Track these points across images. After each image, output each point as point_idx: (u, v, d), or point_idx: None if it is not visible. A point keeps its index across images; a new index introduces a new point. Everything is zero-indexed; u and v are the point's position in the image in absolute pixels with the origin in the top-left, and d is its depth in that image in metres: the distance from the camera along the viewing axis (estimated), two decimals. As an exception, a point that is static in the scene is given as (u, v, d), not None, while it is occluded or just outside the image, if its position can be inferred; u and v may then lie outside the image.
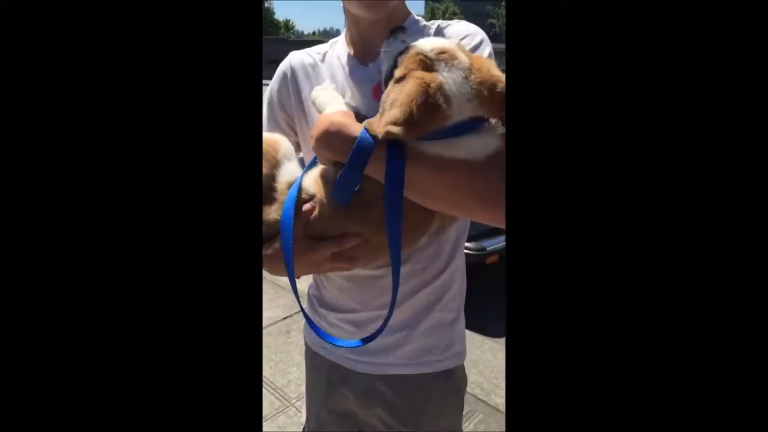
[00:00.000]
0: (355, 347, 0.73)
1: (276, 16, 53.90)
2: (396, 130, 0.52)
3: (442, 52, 0.57)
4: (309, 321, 0.73)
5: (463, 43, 0.66)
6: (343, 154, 0.57)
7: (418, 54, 0.57)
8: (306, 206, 0.64)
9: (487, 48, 0.69)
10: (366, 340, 0.64)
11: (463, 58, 0.57)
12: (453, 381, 0.76)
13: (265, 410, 1.73)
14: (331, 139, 0.59)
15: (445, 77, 0.55)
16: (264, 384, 1.88)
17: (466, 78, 0.56)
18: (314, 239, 0.65)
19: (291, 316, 2.38)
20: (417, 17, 0.77)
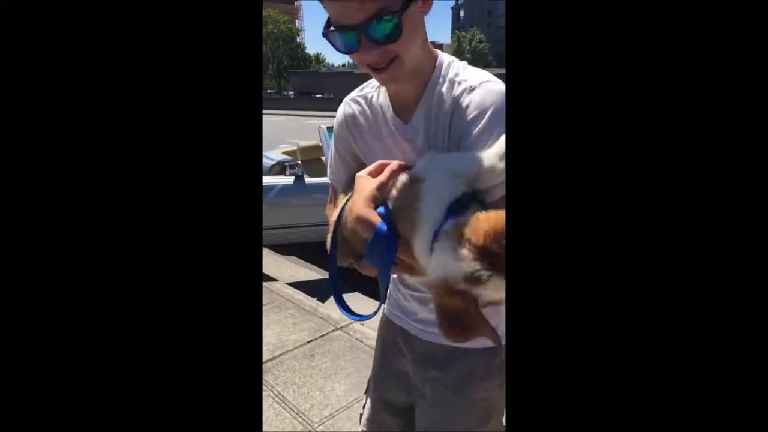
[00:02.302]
0: (415, 320, 0.92)
1: (307, 50, 55.88)
2: None
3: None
4: (337, 300, 0.85)
5: (479, 129, 0.70)
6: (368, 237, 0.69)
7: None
8: None
9: (497, 128, 0.70)
10: (369, 316, 0.82)
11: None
12: (497, 358, 0.86)
13: (288, 434, 1.73)
14: (359, 227, 0.70)
15: None
16: (287, 408, 1.87)
17: None
18: None
19: (315, 339, 2.38)
20: (445, 60, 0.76)
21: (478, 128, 0.69)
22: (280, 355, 2.24)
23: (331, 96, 27.95)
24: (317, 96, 30.46)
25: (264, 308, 2.75)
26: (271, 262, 3.73)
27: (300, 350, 2.29)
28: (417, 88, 0.74)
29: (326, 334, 2.43)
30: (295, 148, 4.08)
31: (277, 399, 1.92)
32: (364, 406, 1.08)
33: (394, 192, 0.69)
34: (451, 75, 0.74)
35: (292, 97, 34.83)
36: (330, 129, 3.63)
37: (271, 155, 4.33)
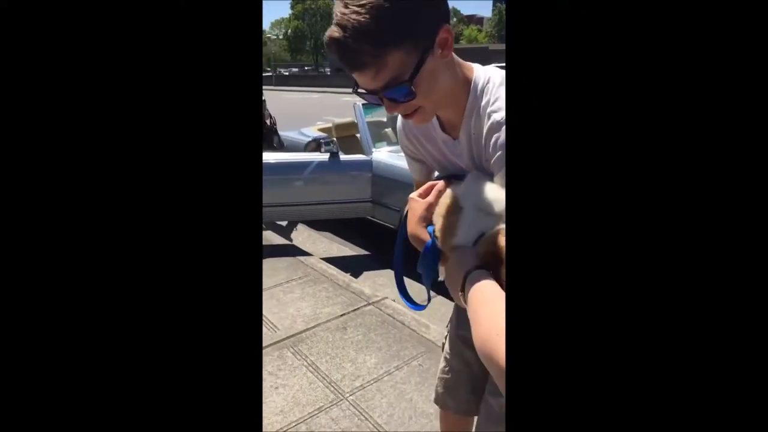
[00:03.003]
0: None
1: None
2: None
3: None
4: (400, 290, 0.91)
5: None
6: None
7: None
8: None
9: None
10: (423, 307, 0.89)
11: None
12: None
13: (320, 402, 1.80)
14: (414, 243, 0.81)
15: None
16: (320, 377, 1.95)
17: None
18: None
19: (347, 313, 2.44)
20: (480, 82, 0.76)
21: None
22: (314, 327, 2.31)
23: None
24: (353, 73, 30.18)
25: (299, 281, 2.83)
26: (306, 238, 3.81)
27: (333, 323, 2.35)
28: (457, 111, 0.78)
29: (359, 308, 2.48)
30: (330, 125, 4.10)
31: (310, 368, 2.00)
32: (445, 338, 1.18)
33: (438, 216, 0.77)
34: (484, 102, 0.75)
35: (329, 74, 34.76)
36: (365, 106, 3.62)
37: (307, 132, 4.38)
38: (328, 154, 3.29)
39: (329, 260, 3.22)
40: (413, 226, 0.80)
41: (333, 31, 0.64)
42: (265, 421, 1.70)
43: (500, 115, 0.72)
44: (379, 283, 2.99)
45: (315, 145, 3.68)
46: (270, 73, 35.05)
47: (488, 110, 0.74)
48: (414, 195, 0.82)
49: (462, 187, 0.77)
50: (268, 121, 3.74)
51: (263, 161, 3.21)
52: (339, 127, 4.00)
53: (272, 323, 2.39)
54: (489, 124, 0.74)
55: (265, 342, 2.19)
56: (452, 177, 0.83)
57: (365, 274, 3.13)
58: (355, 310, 2.47)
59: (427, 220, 0.79)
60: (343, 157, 3.37)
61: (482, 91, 0.76)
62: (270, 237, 3.64)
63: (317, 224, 3.98)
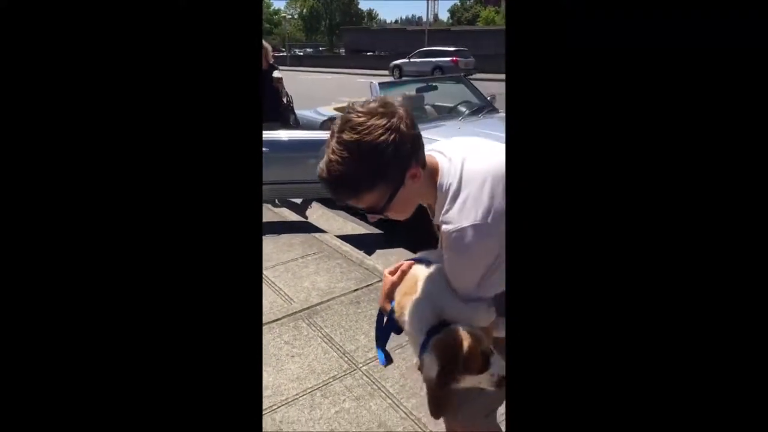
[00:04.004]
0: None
1: (360, 6, 54.55)
2: None
3: None
4: (378, 345, 1.06)
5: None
6: None
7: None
8: None
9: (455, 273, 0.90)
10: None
11: None
12: None
13: (334, 371, 1.85)
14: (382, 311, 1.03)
15: None
16: (334, 348, 2.00)
17: None
18: None
19: (361, 288, 2.49)
20: (443, 184, 0.84)
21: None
22: (328, 300, 2.36)
23: (383, 54, 27.36)
24: (368, 54, 29.92)
25: (314, 257, 2.88)
26: (321, 216, 3.85)
27: (347, 297, 2.40)
28: (431, 200, 0.88)
29: (372, 284, 2.53)
30: (345, 104, 4.10)
31: (325, 339, 2.05)
32: None
33: (399, 293, 0.92)
34: (446, 207, 0.84)
35: (344, 55, 34.42)
36: (382, 85, 3.61)
37: (323, 111, 4.39)
38: (344, 132, 3.29)
39: (343, 238, 3.26)
40: (381, 299, 0.99)
41: (321, 170, 0.78)
42: (281, 388, 1.76)
43: (451, 227, 0.81)
44: (392, 260, 3.02)
45: (330, 123, 3.69)
46: (284, 53, 34.80)
47: (444, 220, 0.83)
48: (386, 271, 0.99)
49: (426, 275, 0.90)
50: (284, 99, 3.76)
51: (279, 139, 3.24)
52: (355, 106, 3.99)
53: (288, 295, 2.45)
54: (446, 231, 0.82)
55: (281, 313, 2.25)
56: (421, 260, 0.95)
57: (378, 252, 3.16)
58: (368, 285, 2.52)
59: (390, 296, 0.95)
60: (358, 135, 3.37)
61: (445, 194, 0.84)
62: (285, 214, 3.69)
63: (332, 203, 4.01)
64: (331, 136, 0.77)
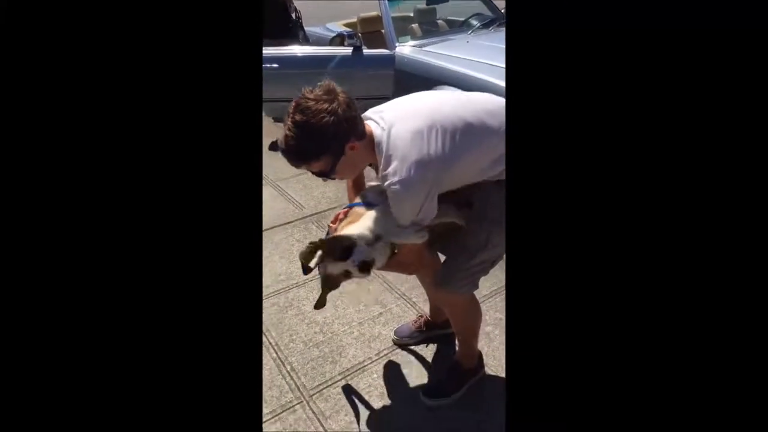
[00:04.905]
0: None
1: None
2: None
3: None
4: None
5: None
6: None
7: None
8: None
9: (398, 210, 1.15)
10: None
11: None
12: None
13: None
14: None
15: None
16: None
17: None
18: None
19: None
20: (378, 144, 1.09)
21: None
22: (336, 207, 2.60)
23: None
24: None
25: (323, 169, 3.06)
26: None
27: (352, 204, 2.62)
28: (372, 159, 1.13)
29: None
30: (355, 19, 4.06)
31: (331, 238, 2.30)
32: None
33: (342, 226, 1.23)
34: (382, 166, 1.08)
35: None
36: (390, -2, 3.55)
37: (333, 27, 4.35)
38: (351, 48, 3.33)
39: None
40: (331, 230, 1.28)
41: (280, 142, 1.05)
42: (293, 274, 2.04)
43: (386, 183, 1.07)
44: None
45: (340, 39, 3.69)
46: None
47: (385, 173, 1.06)
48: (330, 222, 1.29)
49: (369, 210, 1.18)
50: (293, 15, 3.74)
51: (289, 54, 3.30)
52: (364, 21, 3.95)
53: (299, 203, 2.68)
54: (386, 184, 1.06)
55: (293, 218, 2.49)
56: (362, 204, 1.21)
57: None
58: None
59: (331, 229, 1.26)
60: (366, 51, 3.40)
61: (381, 154, 1.07)
62: (297, 131, 3.82)
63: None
64: (287, 115, 1.02)
